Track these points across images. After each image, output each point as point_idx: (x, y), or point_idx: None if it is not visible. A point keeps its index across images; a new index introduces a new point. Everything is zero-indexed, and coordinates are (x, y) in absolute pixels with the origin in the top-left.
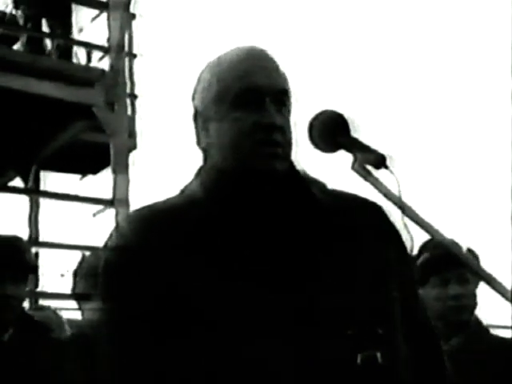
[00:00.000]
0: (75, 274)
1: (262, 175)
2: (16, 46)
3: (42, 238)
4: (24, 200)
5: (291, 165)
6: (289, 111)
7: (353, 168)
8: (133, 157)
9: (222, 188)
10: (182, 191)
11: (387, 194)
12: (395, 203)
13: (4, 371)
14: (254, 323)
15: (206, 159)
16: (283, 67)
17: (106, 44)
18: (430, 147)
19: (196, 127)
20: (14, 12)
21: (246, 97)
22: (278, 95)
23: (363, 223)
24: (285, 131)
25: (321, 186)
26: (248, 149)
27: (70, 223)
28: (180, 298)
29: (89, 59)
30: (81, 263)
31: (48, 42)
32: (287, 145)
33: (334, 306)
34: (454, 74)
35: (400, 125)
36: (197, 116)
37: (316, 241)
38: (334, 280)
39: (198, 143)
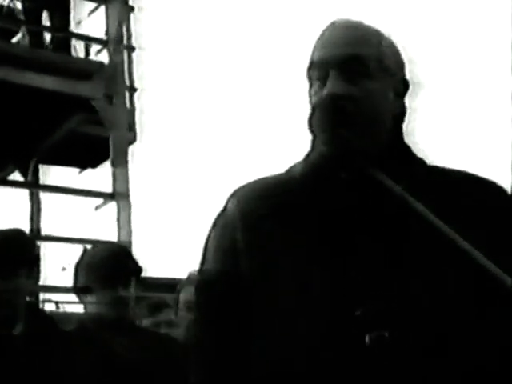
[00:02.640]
0: (76, 267)
1: (340, 162)
2: (15, 39)
3: (43, 232)
4: (24, 194)
5: (393, 141)
6: (372, 79)
7: None
8: (132, 150)
9: (313, 170)
10: (291, 167)
11: None
12: None
13: (19, 366)
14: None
15: (314, 139)
16: (373, 35)
17: (104, 37)
18: (430, 147)
19: None
20: (11, 5)
21: (316, 72)
22: (346, 64)
23: (467, 204)
24: (357, 100)
25: (430, 166)
26: (323, 131)
27: (70, 217)
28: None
29: (87, 52)
30: (82, 257)
31: (47, 36)
32: (363, 115)
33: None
34: (454, 73)
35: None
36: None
37: (396, 229)
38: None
39: None
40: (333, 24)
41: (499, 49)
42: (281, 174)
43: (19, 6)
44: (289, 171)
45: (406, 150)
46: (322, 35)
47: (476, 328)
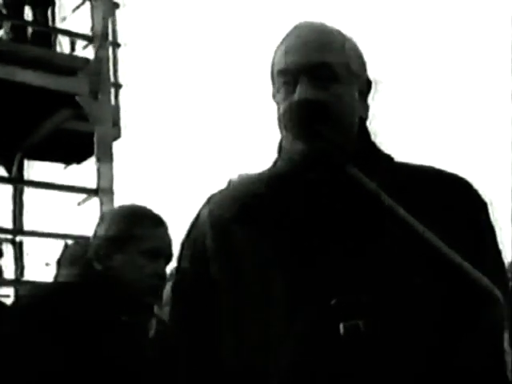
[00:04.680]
0: (58, 262)
1: (316, 158)
2: None
3: (26, 227)
4: (8, 189)
5: (362, 139)
6: (340, 83)
7: None
8: (117, 146)
9: (281, 172)
10: (263, 171)
11: None
12: None
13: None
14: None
15: (281, 139)
16: (337, 38)
17: (89, 33)
18: (430, 147)
19: None
20: None
21: (284, 78)
22: (315, 70)
23: (434, 199)
24: (327, 105)
25: (397, 162)
26: (298, 126)
27: (54, 212)
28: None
29: (72, 48)
30: (64, 252)
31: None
32: (335, 119)
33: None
34: (453, 74)
35: (400, 125)
36: (274, 97)
37: (364, 225)
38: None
39: None
40: (297, 28)
41: (499, 49)
42: (253, 176)
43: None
44: (261, 174)
45: (373, 147)
46: (287, 40)
47: (446, 321)
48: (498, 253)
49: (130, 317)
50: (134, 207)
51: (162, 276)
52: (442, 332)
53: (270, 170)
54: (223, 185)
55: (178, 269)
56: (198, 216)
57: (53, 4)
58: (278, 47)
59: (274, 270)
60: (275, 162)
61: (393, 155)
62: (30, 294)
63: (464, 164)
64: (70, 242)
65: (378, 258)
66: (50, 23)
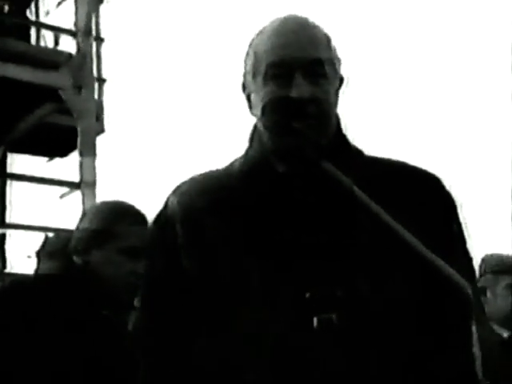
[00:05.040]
0: (38, 254)
1: (290, 153)
2: None
3: (9, 220)
4: None
5: (336, 135)
6: (328, 80)
7: None
8: (100, 140)
9: (254, 164)
10: (231, 164)
11: None
12: None
13: None
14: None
15: (252, 134)
16: (323, 35)
17: (73, 28)
18: (430, 147)
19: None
20: None
21: (276, 71)
22: (310, 66)
23: (404, 194)
24: (320, 102)
25: (367, 156)
26: (278, 123)
27: (37, 205)
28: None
29: (56, 43)
30: (44, 244)
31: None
32: (323, 115)
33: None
34: (453, 73)
35: (400, 125)
36: (243, 86)
37: (345, 219)
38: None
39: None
40: (284, 21)
41: (500, 49)
42: (221, 170)
43: None
44: (229, 166)
45: (345, 142)
46: (276, 32)
47: (420, 322)
48: (466, 248)
49: (110, 312)
50: (117, 204)
51: (141, 275)
52: (416, 331)
53: (241, 160)
54: (189, 175)
55: (148, 258)
56: (166, 204)
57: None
58: (265, 38)
59: (248, 263)
60: (247, 151)
61: (364, 150)
62: (9, 285)
63: (463, 164)
64: (50, 234)
65: (352, 252)
66: (34, 17)
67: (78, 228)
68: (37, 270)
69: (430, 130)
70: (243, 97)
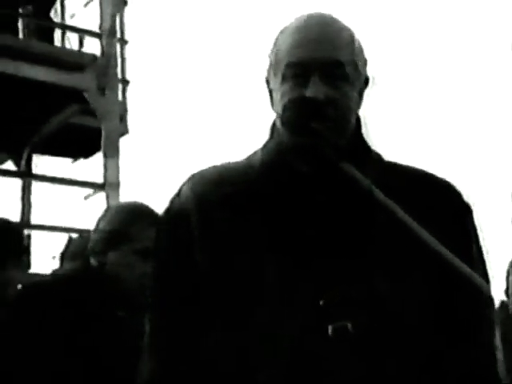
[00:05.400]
0: (62, 255)
1: (309, 152)
2: None
3: (33, 221)
4: (16, 183)
5: (355, 136)
6: (348, 82)
7: None
8: (124, 141)
9: (273, 160)
10: (248, 158)
11: None
12: None
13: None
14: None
15: (272, 128)
16: (347, 35)
17: (97, 30)
18: (430, 147)
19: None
20: None
21: (294, 70)
22: (328, 68)
23: (421, 200)
24: (337, 104)
25: (386, 161)
26: (295, 123)
27: (61, 206)
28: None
29: (81, 44)
30: (67, 246)
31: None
32: (341, 118)
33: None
34: (454, 73)
35: (400, 125)
36: (267, 81)
37: (363, 221)
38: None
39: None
40: (307, 19)
41: (500, 48)
42: (239, 162)
43: None
44: (248, 159)
45: (365, 144)
46: (298, 30)
47: (438, 322)
48: (482, 254)
49: (125, 313)
50: (133, 205)
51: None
52: (434, 332)
53: (259, 155)
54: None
55: (158, 247)
56: (179, 193)
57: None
58: (287, 36)
59: (265, 259)
60: (264, 146)
61: (383, 154)
62: (27, 287)
63: (463, 164)
64: (74, 235)
65: (370, 251)
66: (60, 19)
67: (95, 230)
68: (56, 271)
69: (430, 130)
70: (264, 94)
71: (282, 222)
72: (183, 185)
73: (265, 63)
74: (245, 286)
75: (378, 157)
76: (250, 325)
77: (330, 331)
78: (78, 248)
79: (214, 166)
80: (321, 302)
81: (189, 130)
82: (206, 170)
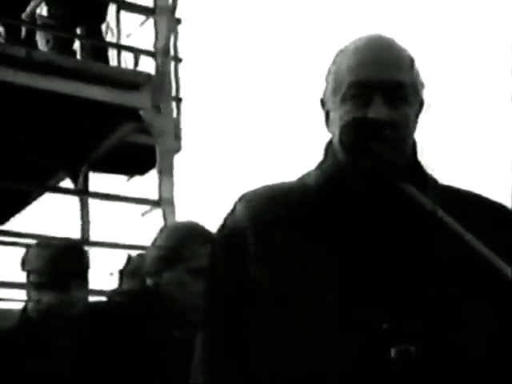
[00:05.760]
0: (121, 273)
1: (369, 173)
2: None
3: (92, 238)
4: (74, 200)
5: (412, 159)
6: (408, 104)
7: None
8: (178, 158)
9: (330, 180)
10: (301, 178)
11: None
12: None
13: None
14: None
15: (327, 149)
16: (408, 58)
17: (152, 49)
18: (430, 147)
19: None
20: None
21: (355, 90)
22: (390, 89)
23: (483, 224)
24: (397, 126)
25: (441, 184)
26: (355, 144)
27: (118, 223)
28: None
29: (136, 63)
30: (127, 264)
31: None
32: (400, 140)
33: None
34: (454, 73)
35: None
36: (322, 102)
37: (414, 245)
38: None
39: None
40: (368, 40)
41: (500, 48)
42: (293, 182)
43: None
44: (302, 179)
45: (421, 168)
46: (359, 51)
47: (501, 345)
48: None
49: (180, 332)
50: (186, 225)
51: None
52: (498, 356)
53: (315, 175)
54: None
55: (213, 265)
56: (233, 211)
57: (117, 20)
58: (347, 56)
59: (324, 278)
60: (319, 166)
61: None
62: (84, 309)
63: (463, 163)
64: (132, 252)
65: (437, 280)
66: (116, 39)
67: (150, 250)
68: (115, 290)
69: (430, 130)
70: (319, 112)
71: (343, 242)
72: (236, 203)
73: (320, 85)
74: (301, 301)
75: (433, 179)
76: (307, 346)
77: (392, 353)
78: (137, 266)
79: (267, 185)
80: (384, 326)
81: (243, 145)
82: (259, 188)
